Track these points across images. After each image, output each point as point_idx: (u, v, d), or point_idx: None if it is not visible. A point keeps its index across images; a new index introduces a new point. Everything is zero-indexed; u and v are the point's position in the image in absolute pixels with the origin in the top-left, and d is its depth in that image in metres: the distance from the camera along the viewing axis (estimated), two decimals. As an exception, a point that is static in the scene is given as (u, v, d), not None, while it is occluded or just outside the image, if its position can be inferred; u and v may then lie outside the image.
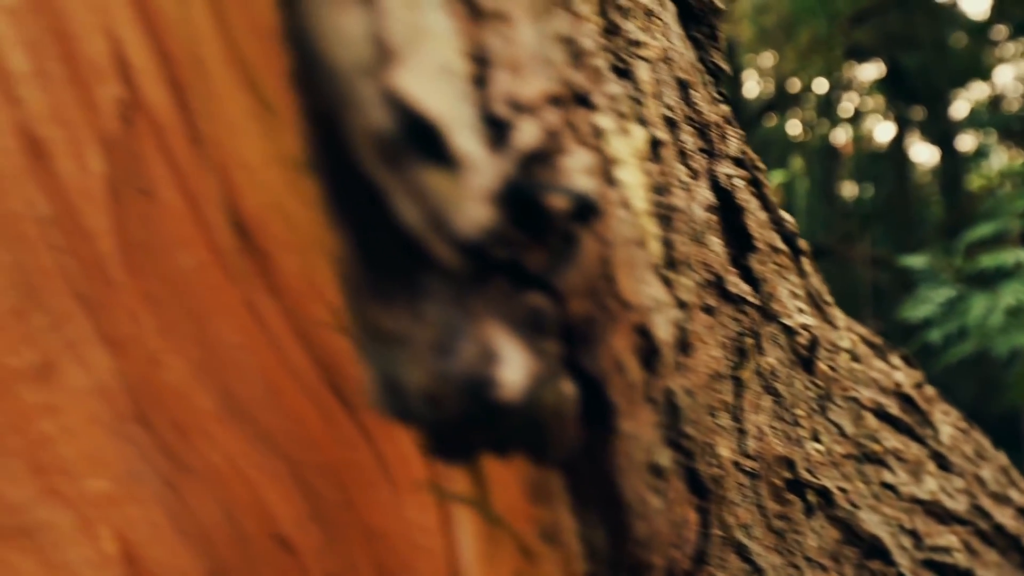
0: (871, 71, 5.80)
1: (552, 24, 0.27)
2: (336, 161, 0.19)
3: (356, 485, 0.30)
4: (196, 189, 0.27)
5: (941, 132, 5.62)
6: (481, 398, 0.20)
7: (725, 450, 0.39)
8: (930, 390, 0.75)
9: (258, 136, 0.26)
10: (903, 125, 5.86)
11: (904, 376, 0.68)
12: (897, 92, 5.66)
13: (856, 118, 6.15)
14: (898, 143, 5.90)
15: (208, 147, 0.27)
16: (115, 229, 0.27)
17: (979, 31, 5.13)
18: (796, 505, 0.48)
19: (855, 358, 0.61)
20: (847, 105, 6.00)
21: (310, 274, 0.28)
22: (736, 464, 0.41)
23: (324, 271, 0.28)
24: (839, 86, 5.85)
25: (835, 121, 6.03)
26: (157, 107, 0.26)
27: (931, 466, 0.67)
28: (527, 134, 0.22)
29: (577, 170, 0.24)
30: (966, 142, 5.45)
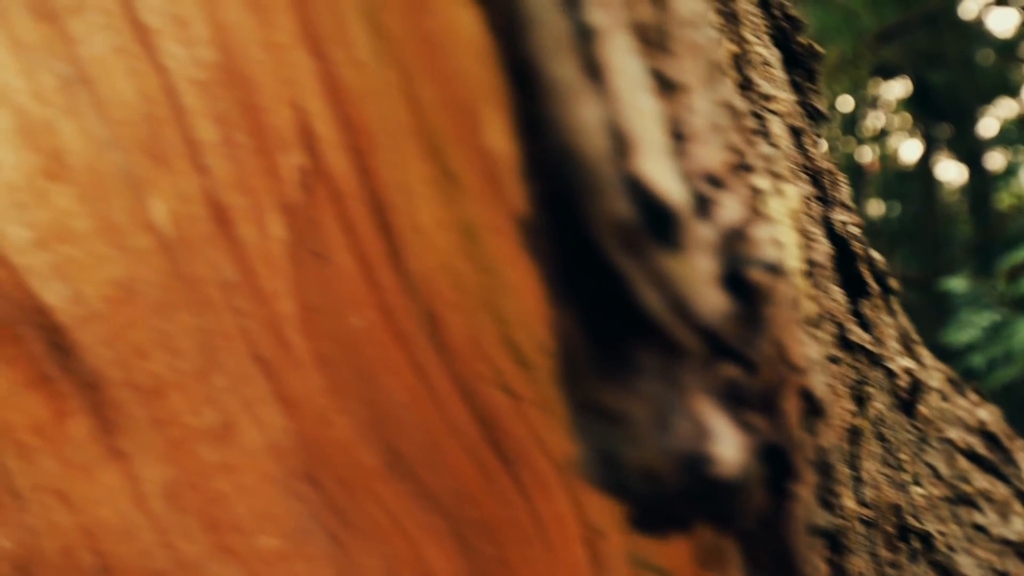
0: (898, 89, 5.78)
1: (720, 89, 0.28)
2: (568, 243, 0.20)
3: (511, 542, 0.31)
4: (369, 252, 0.28)
5: (969, 150, 5.57)
6: (699, 474, 0.21)
7: (848, 500, 0.39)
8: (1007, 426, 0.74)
9: (434, 202, 0.27)
10: (930, 143, 5.83)
11: (987, 413, 0.67)
12: (924, 110, 5.63)
13: (883, 136, 6.12)
14: (925, 161, 5.85)
15: (384, 212, 0.27)
16: (293, 292, 0.28)
17: (1006, 48, 5.10)
18: (903, 551, 0.48)
19: (944, 397, 0.61)
20: (873, 123, 5.97)
21: (475, 334, 0.29)
22: (856, 513, 0.41)
23: (489, 332, 0.29)
24: (865, 104, 5.83)
25: (861, 139, 6.01)
26: (338, 174, 0.27)
27: (1017, 506, 0.66)
28: (729, 210, 0.22)
29: (767, 240, 0.24)
30: (995, 160, 5.40)
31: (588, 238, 0.18)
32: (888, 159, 6.41)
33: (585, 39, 0.19)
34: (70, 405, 0.27)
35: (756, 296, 0.22)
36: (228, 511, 0.28)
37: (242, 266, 0.27)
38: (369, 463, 0.29)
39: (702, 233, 0.20)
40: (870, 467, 0.44)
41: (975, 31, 5.33)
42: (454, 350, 0.29)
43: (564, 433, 0.28)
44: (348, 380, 0.29)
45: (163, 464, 0.28)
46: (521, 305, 0.27)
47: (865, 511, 0.42)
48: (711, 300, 0.18)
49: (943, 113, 5.61)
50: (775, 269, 0.24)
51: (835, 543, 0.34)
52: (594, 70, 0.19)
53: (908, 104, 5.90)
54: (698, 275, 0.19)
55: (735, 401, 0.23)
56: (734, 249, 0.22)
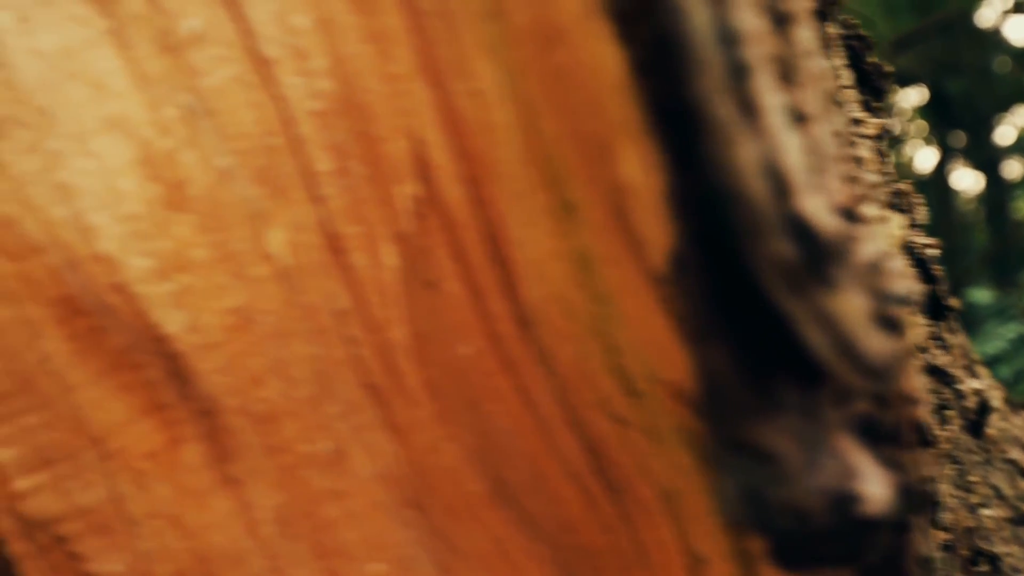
0: (914, 97, 5.76)
1: (834, 119, 0.28)
2: (720, 280, 0.20)
3: (613, 570, 0.30)
4: (481, 281, 0.28)
5: (985, 158, 5.54)
6: (847, 513, 0.21)
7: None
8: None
9: (549, 232, 0.27)
10: (947, 151, 5.80)
11: (1043, 431, 0.67)
12: (940, 118, 5.61)
13: (898, 144, 6.09)
14: (941, 170, 5.83)
15: (498, 242, 0.27)
16: (404, 320, 0.28)
17: (1023, 56, 5.07)
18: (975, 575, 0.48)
19: (1003, 416, 0.60)
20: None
21: (584, 362, 0.29)
22: (936, 538, 0.41)
23: (598, 360, 0.29)
24: (882, 112, 5.81)
25: (877, 147, 5.98)
26: (452, 204, 0.27)
27: (1075, 525, 0.66)
28: (867, 244, 0.22)
29: (899, 273, 0.24)
30: (1012, 169, 5.36)
31: (749, 277, 0.18)
32: (904, 167, 6.38)
33: (739, 77, 0.19)
34: (185, 432, 0.27)
35: (899, 331, 0.22)
36: (337, 538, 0.28)
37: (355, 294, 0.28)
38: (475, 490, 0.29)
39: (855, 270, 0.20)
40: (945, 490, 0.44)
41: (992, 39, 5.30)
42: (562, 378, 0.29)
43: (677, 464, 0.28)
44: (455, 408, 0.29)
45: (275, 491, 0.28)
46: (634, 334, 0.27)
47: (944, 535, 0.42)
48: (875, 340, 0.18)
49: (959, 121, 5.58)
50: (906, 301, 0.24)
51: (927, 572, 0.34)
52: (748, 108, 0.19)
53: (924, 112, 5.88)
54: (858, 313, 0.18)
55: (869, 437, 0.23)
56: (875, 284, 0.22)
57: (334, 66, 0.26)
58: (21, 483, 0.27)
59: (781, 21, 0.24)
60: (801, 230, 0.18)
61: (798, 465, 0.20)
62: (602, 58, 0.22)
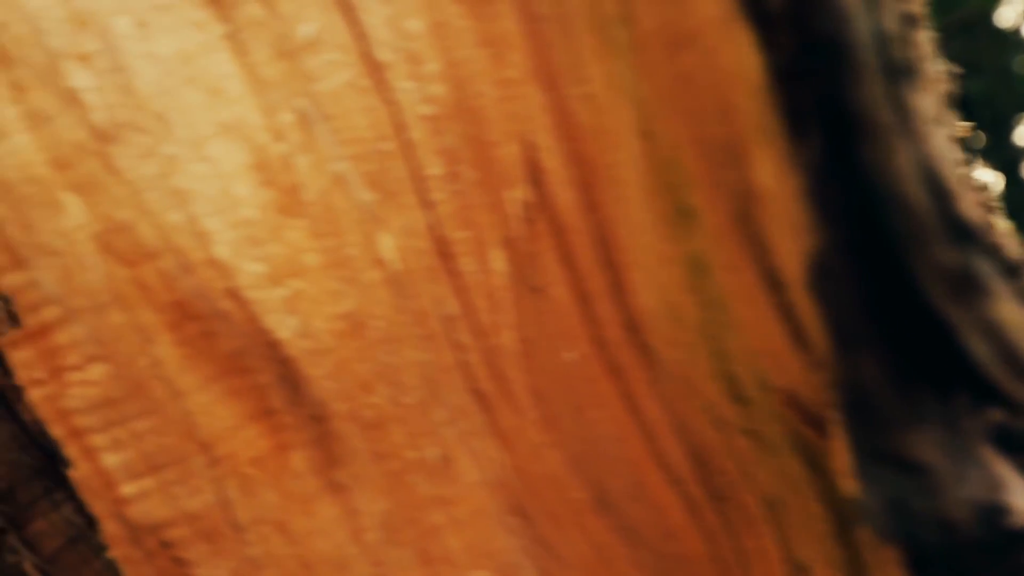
0: (932, 98, 5.71)
1: (949, 122, 0.27)
2: (872, 288, 0.19)
3: (714, 577, 0.30)
4: (588, 286, 0.28)
5: (1006, 159, 5.50)
6: (995, 525, 0.20)
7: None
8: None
9: (661, 237, 0.27)
10: (967, 152, 5.75)
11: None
12: (960, 118, 5.56)
13: (917, 145, 6.04)
14: (960, 170, 5.77)
15: (608, 247, 0.27)
16: (511, 326, 0.28)
17: (1044, 56, 5.02)
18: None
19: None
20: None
21: (690, 369, 0.28)
22: None
23: (705, 367, 0.28)
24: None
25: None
26: (562, 209, 0.27)
27: None
28: (1010, 249, 0.22)
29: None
30: (1032, 169, 5.32)
31: (910, 284, 0.18)
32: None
33: (894, 80, 0.19)
34: (293, 438, 0.27)
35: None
36: (442, 545, 0.28)
37: (463, 300, 0.27)
38: (577, 497, 0.29)
39: (1012, 279, 0.19)
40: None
41: (1012, 39, 5.26)
42: (668, 384, 0.29)
43: (785, 472, 0.27)
44: (559, 414, 0.29)
45: (381, 497, 0.28)
46: (746, 341, 0.27)
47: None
48: (1036, 350, 0.18)
49: (979, 121, 5.55)
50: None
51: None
52: (902, 112, 0.19)
53: (943, 112, 5.82)
54: (1020, 321, 0.18)
55: (1005, 446, 0.22)
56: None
57: (447, 70, 0.26)
58: (128, 488, 0.27)
59: (908, 23, 0.23)
60: (965, 236, 0.18)
61: (946, 476, 0.20)
62: (739, 63, 0.22)
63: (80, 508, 0.40)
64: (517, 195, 0.27)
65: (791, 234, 0.22)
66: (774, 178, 0.22)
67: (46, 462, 0.40)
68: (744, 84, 0.22)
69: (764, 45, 0.21)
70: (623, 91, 0.25)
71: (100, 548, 0.38)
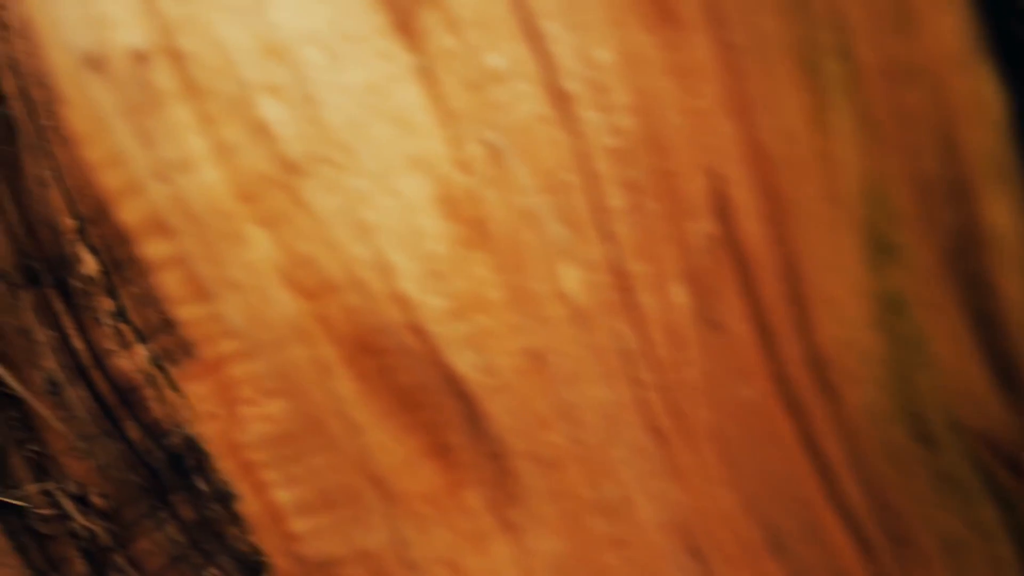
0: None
1: None
2: None
3: (888, 621, 0.29)
4: (772, 321, 0.27)
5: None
6: None
7: None
8: None
9: (854, 273, 0.26)
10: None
11: None
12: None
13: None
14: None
15: (797, 281, 0.26)
16: (690, 362, 0.27)
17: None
18: None
19: None
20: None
21: (873, 408, 0.28)
22: None
23: (889, 405, 0.27)
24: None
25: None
26: (749, 242, 0.26)
27: None
28: None
29: None
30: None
31: None
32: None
33: None
34: (468, 475, 0.27)
35: None
36: (616, 586, 0.27)
37: (642, 334, 0.27)
38: (751, 537, 0.28)
39: None
40: None
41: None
42: (849, 423, 0.28)
43: (972, 514, 0.26)
44: (736, 452, 0.28)
45: (555, 537, 0.27)
46: (940, 381, 0.26)
47: None
48: None
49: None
50: None
51: None
52: None
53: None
54: None
55: None
56: None
57: (635, 101, 0.26)
58: (300, 524, 0.27)
59: None
60: None
61: None
62: (974, 98, 0.21)
63: (183, 528, 0.40)
64: (701, 227, 0.26)
65: (1018, 275, 0.21)
66: (1006, 218, 0.21)
67: (152, 481, 0.39)
68: (978, 120, 0.21)
69: (1008, 80, 0.20)
70: (824, 124, 0.24)
71: (202, 568, 0.38)
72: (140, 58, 0.24)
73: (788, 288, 0.26)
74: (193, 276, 0.25)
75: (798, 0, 0.24)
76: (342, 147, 0.25)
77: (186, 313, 0.26)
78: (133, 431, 0.40)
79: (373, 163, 0.25)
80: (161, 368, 0.39)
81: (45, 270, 0.39)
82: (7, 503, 0.41)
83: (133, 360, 0.40)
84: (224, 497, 0.38)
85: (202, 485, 0.39)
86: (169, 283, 0.26)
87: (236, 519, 0.38)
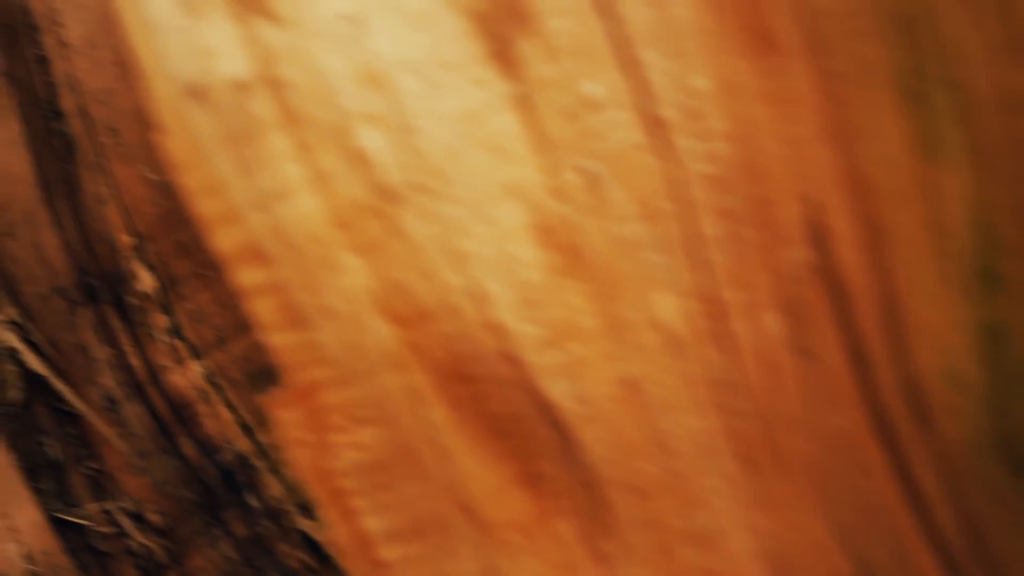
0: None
1: None
2: None
3: (981, 656, 0.29)
4: (868, 351, 0.27)
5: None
6: None
7: None
8: None
9: (955, 303, 0.26)
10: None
11: None
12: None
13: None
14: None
15: (895, 311, 0.26)
16: (783, 390, 0.27)
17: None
18: None
19: None
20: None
21: (970, 438, 0.27)
22: None
23: (985, 436, 0.27)
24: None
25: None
26: (846, 271, 0.26)
27: None
28: None
29: None
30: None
31: None
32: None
33: None
34: (560, 504, 0.27)
35: None
36: (707, 618, 0.27)
37: (735, 363, 0.27)
38: (842, 568, 0.28)
39: None
40: None
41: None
42: (944, 453, 0.27)
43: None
44: (826, 481, 0.27)
45: (646, 567, 0.27)
46: (1043, 412, 0.26)
47: None
48: None
49: None
50: None
51: None
52: None
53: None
54: None
55: None
56: None
57: (731, 128, 0.25)
58: (389, 552, 0.27)
59: None
60: None
61: None
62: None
63: (237, 544, 0.40)
64: (798, 256, 0.26)
65: None
66: None
67: (206, 497, 0.40)
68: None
69: None
70: (929, 153, 0.24)
71: (254, 587, 0.38)
72: (241, 87, 0.24)
73: (885, 316, 0.26)
74: (289, 304, 0.25)
75: (904, 30, 0.24)
76: (438, 175, 0.25)
77: (278, 340, 0.26)
78: (187, 447, 0.40)
79: (469, 191, 0.25)
80: (215, 385, 0.39)
81: (102, 287, 0.40)
82: (69, 521, 0.41)
83: (187, 376, 0.40)
84: (275, 514, 0.38)
85: (254, 501, 0.39)
86: (262, 310, 0.26)
87: (287, 535, 0.38)
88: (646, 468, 0.26)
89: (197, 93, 0.24)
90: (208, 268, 0.40)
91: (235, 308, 0.39)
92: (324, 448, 0.26)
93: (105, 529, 0.41)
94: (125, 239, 0.40)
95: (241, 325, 0.40)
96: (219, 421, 0.41)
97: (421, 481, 0.26)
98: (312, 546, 0.40)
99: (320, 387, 0.26)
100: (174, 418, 0.41)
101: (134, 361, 0.41)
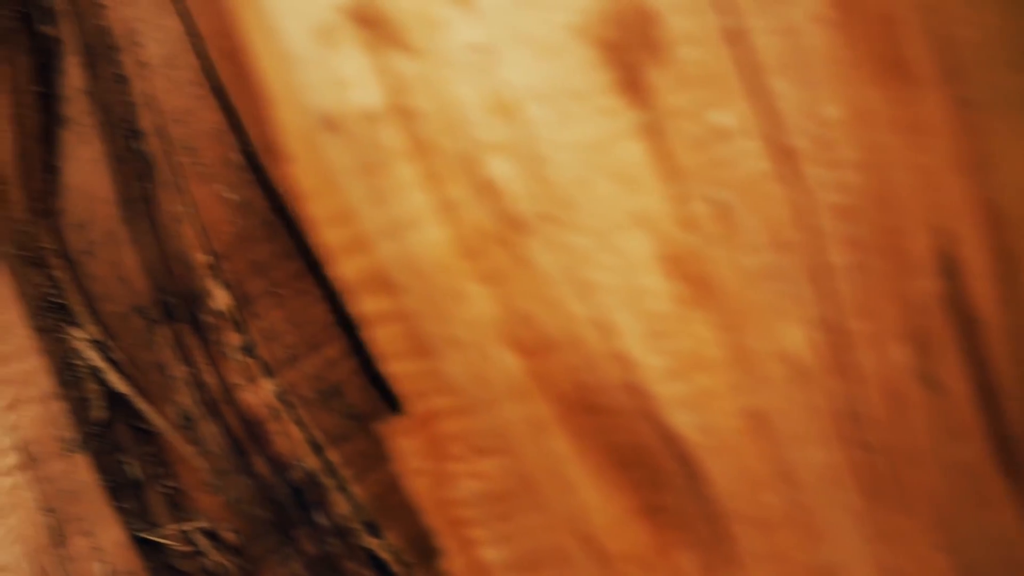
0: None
1: None
2: None
3: None
4: (996, 382, 0.26)
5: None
6: None
7: None
8: None
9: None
10: None
11: None
12: None
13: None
14: None
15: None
16: (905, 422, 0.26)
17: None
18: None
19: None
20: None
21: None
22: None
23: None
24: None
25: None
26: (977, 302, 0.26)
27: None
28: None
29: None
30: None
31: None
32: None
33: None
34: (682, 536, 0.26)
35: None
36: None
37: (860, 394, 0.26)
38: (965, 604, 0.27)
39: None
40: None
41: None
42: (1072, 487, 0.27)
43: None
44: (951, 515, 0.27)
45: (768, 601, 0.27)
46: None
47: None
48: None
49: None
50: None
51: None
52: None
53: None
54: None
55: None
56: None
57: (862, 157, 0.25)
58: (506, 582, 0.27)
59: None
60: None
61: None
62: None
63: (307, 563, 0.40)
64: (927, 286, 0.26)
65: None
66: None
67: (278, 515, 0.40)
68: None
69: None
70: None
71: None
72: (372, 118, 0.24)
73: (1016, 348, 0.26)
74: (414, 332, 0.25)
75: (1048, 58, 0.23)
76: (566, 204, 0.25)
77: (399, 368, 0.26)
78: (260, 465, 0.41)
79: (596, 220, 0.25)
80: (286, 403, 0.39)
81: (179, 305, 0.40)
82: (150, 540, 0.42)
83: (259, 394, 0.40)
84: (342, 532, 0.38)
85: (322, 519, 0.39)
86: (383, 338, 0.26)
87: (354, 553, 0.38)
88: (770, 501, 0.26)
89: (331, 123, 0.24)
90: (281, 287, 0.40)
91: (306, 327, 0.39)
92: (443, 477, 0.26)
93: (183, 548, 0.41)
94: (201, 258, 0.40)
95: (313, 344, 0.40)
96: (289, 439, 0.41)
97: (541, 512, 0.26)
98: (378, 564, 0.40)
99: (441, 416, 0.26)
100: (247, 436, 0.41)
101: (209, 379, 0.41)
